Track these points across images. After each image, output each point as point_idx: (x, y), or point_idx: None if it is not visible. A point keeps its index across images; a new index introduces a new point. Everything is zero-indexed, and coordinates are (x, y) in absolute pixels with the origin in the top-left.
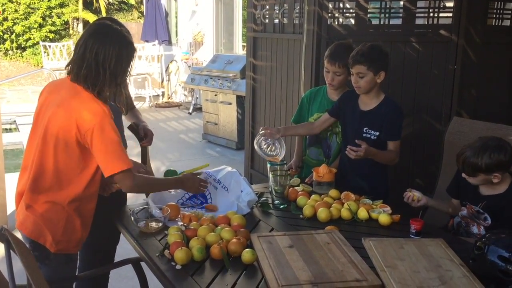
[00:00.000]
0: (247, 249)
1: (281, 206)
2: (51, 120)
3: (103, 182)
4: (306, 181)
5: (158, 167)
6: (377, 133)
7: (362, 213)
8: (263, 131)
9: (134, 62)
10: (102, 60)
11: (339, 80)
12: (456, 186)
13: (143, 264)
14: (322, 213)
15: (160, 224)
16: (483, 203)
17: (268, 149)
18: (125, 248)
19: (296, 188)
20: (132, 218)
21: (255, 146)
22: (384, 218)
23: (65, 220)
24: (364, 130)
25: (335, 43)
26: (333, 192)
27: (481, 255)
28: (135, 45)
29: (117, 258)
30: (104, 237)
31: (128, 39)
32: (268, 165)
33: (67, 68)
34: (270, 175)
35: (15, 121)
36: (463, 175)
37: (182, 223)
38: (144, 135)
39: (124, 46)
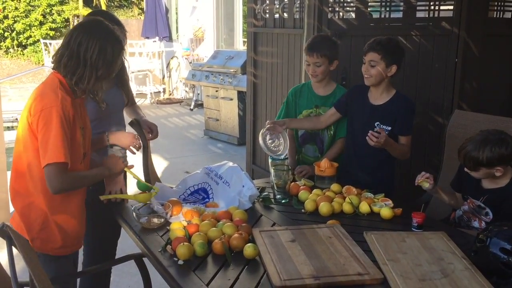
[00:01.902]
0: (249, 244)
1: (283, 201)
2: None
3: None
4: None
5: (160, 164)
6: (389, 128)
7: (364, 207)
8: (268, 125)
9: (120, 59)
10: (84, 51)
11: (321, 71)
12: (459, 180)
13: (145, 260)
14: (323, 207)
15: (162, 220)
16: (485, 197)
17: (272, 145)
18: (127, 244)
19: (297, 182)
20: (134, 214)
21: (260, 140)
22: (385, 211)
23: (42, 218)
24: (375, 125)
25: (313, 36)
26: (334, 186)
27: (483, 247)
28: (135, 41)
29: (119, 254)
30: (104, 232)
31: (116, 36)
32: (270, 160)
33: (53, 58)
34: (272, 170)
35: (16, 119)
36: (465, 169)
37: (184, 219)
38: (149, 131)
39: (109, 41)
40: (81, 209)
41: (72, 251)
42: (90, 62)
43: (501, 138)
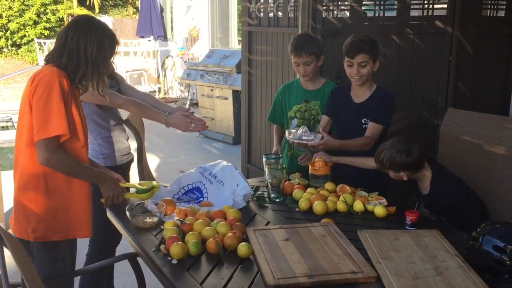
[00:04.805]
0: (243, 243)
1: (277, 200)
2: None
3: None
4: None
5: (154, 163)
6: None
7: (358, 206)
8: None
9: (116, 53)
10: (83, 48)
11: (311, 69)
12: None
13: (139, 259)
14: (318, 206)
15: (156, 219)
16: (421, 203)
17: (304, 135)
18: (121, 243)
19: (292, 181)
20: (128, 213)
21: (287, 133)
22: (379, 210)
23: (43, 206)
24: (362, 121)
25: (295, 37)
26: (329, 185)
27: (476, 245)
28: (130, 40)
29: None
30: (106, 232)
31: (110, 30)
32: (264, 159)
33: (46, 59)
34: (266, 169)
35: (11, 118)
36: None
37: (177, 218)
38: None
39: (105, 35)
40: (85, 194)
41: (78, 236)
42: (91, 59)
43: (407, 148)
